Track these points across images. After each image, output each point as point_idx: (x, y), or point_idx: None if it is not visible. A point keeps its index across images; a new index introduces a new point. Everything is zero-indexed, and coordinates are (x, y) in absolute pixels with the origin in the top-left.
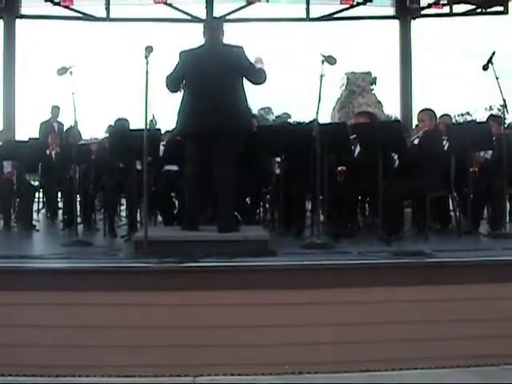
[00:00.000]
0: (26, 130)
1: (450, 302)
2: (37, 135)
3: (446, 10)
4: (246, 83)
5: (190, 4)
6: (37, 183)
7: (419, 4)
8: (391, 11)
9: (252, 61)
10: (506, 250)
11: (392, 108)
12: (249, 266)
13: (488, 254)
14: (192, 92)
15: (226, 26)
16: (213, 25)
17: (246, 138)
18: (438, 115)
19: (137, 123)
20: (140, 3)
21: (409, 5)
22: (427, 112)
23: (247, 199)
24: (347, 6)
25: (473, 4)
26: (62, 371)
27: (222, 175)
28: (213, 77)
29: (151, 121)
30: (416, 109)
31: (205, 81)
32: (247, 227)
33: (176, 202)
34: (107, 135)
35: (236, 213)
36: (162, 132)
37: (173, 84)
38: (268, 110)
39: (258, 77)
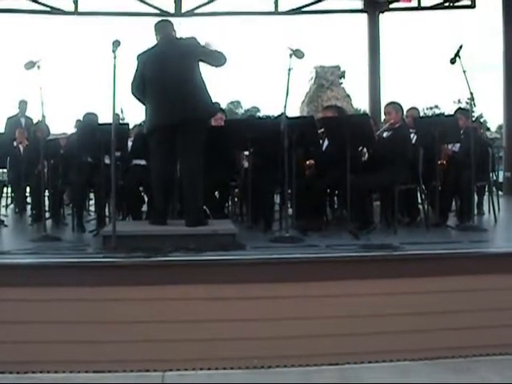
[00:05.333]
0: None
1: (418, 294)
2: (3, 130)
3: (415, 3)
4: (208, 70)
5: None
6: (5, 178)
7: None
8: (359, 5)
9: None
10: (474, 243)
11: (361, 101)
12: (217, 259)
13: (456, 247)
14: (154, 89)
15: (195, 20)
16: (162, 24)
17: (207, 127)
18: (407, 108)
19: (105, 117)
20: None
21: None
22: (393, 105)
23: (215, 193)
24: None
25: None
26: (28, 368)
27: (188, 168)
28: (171, 70)
29: (117, 114)
30: (384, 102)
31: (164, 76)
32: (215, 221)
33: (145, 197)
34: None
35: (204, 206)
36: (131, 126)
37: (138, 89)
38: (237, 103)
39: (217, 58)
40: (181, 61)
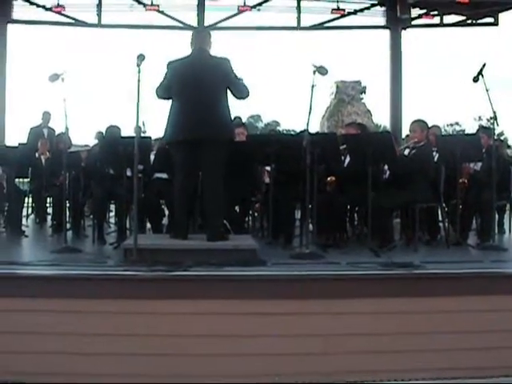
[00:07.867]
0: (17, 135)
1: (439, 314)
2: (26, 140)
3: (437, 20)
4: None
5: (181, 11)
6: (26, 188)
7: (410, 14)
8: (382, 21)
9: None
10: (495, 262)
11: (381, 117)
12: (238, 275)
13: (476, 266)
14: (178, 101)
15: (218, 34)
16: (200, 35)
17: (229, 147)
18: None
19: (128, 130)
20: (131, 10)
21: (399, 15)
22: (419, 123)
23: (236, 208)
24: (338, 15)
25: (463, 15)
26: (45, 379)
27: (210, 184)
28: (199, 87)
29: (139, 127)
30: (406, 118)
31: (191, 90)
32: (236, 236)
33: (165, 210)
34: (96, 141)
35: (225, 221)
36: (153, 139)
37: (162, 93)
38: (257, 117)
39: (241, 91)
40: (211, 80)
